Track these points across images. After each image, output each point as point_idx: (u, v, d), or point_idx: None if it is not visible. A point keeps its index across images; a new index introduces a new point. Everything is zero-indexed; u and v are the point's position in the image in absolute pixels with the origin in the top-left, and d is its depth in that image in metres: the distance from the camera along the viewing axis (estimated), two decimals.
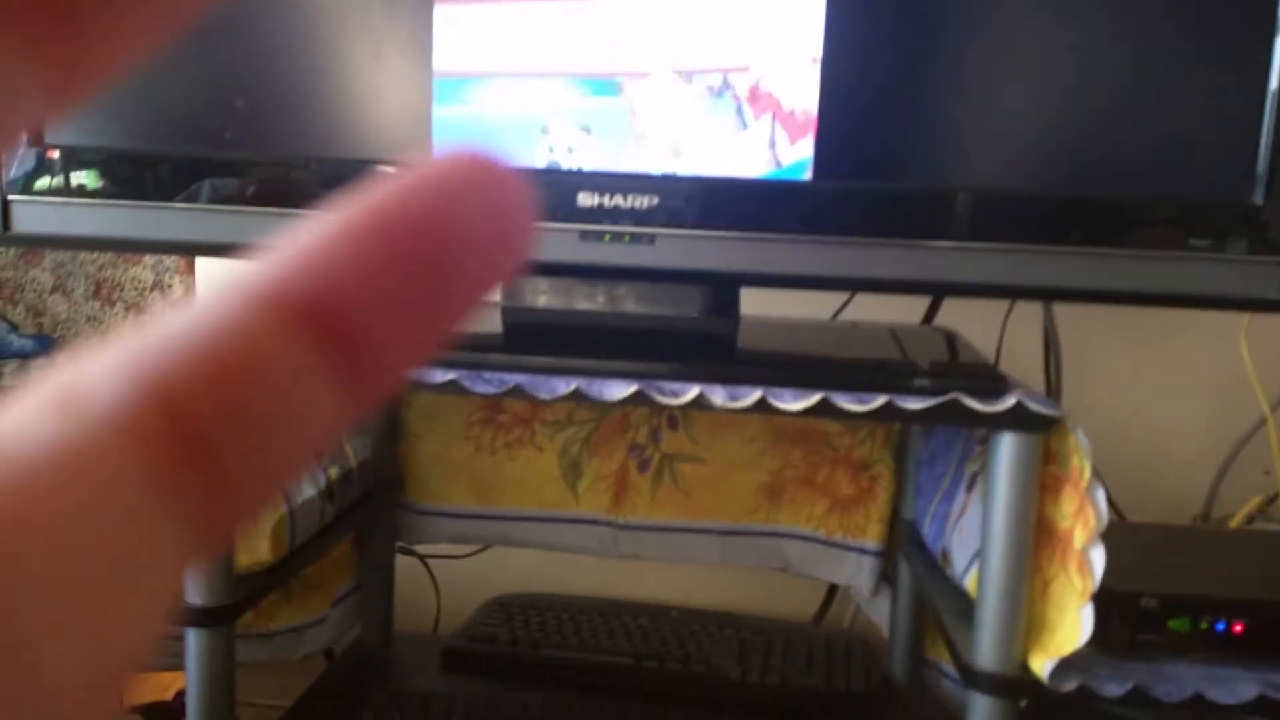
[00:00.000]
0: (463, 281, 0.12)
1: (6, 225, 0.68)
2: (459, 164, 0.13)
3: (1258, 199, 0.64)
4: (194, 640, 0.65)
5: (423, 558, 1.03)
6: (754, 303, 0.77)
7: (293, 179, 0.70)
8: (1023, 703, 0.67)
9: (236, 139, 0.70)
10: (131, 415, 0.11)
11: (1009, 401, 0.61)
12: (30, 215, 0.69)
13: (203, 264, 1.14)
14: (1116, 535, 0.61)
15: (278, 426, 0.11)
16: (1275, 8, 0.63)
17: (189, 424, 0.11)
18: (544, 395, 0.62)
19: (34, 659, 0.10)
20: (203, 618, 0.64)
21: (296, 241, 0.12)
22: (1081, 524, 0.62)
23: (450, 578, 1.04)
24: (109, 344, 0.11)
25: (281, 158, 0.70)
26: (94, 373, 0.11)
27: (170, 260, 1.22)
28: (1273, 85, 0.63)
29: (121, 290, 1.24)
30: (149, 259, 1.23)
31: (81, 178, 0.70)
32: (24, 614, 0.10)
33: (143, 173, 0.70)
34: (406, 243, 0.12)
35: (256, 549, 0.69)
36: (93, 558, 0.10)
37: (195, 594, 0.65)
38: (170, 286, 1.23)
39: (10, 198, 0.68)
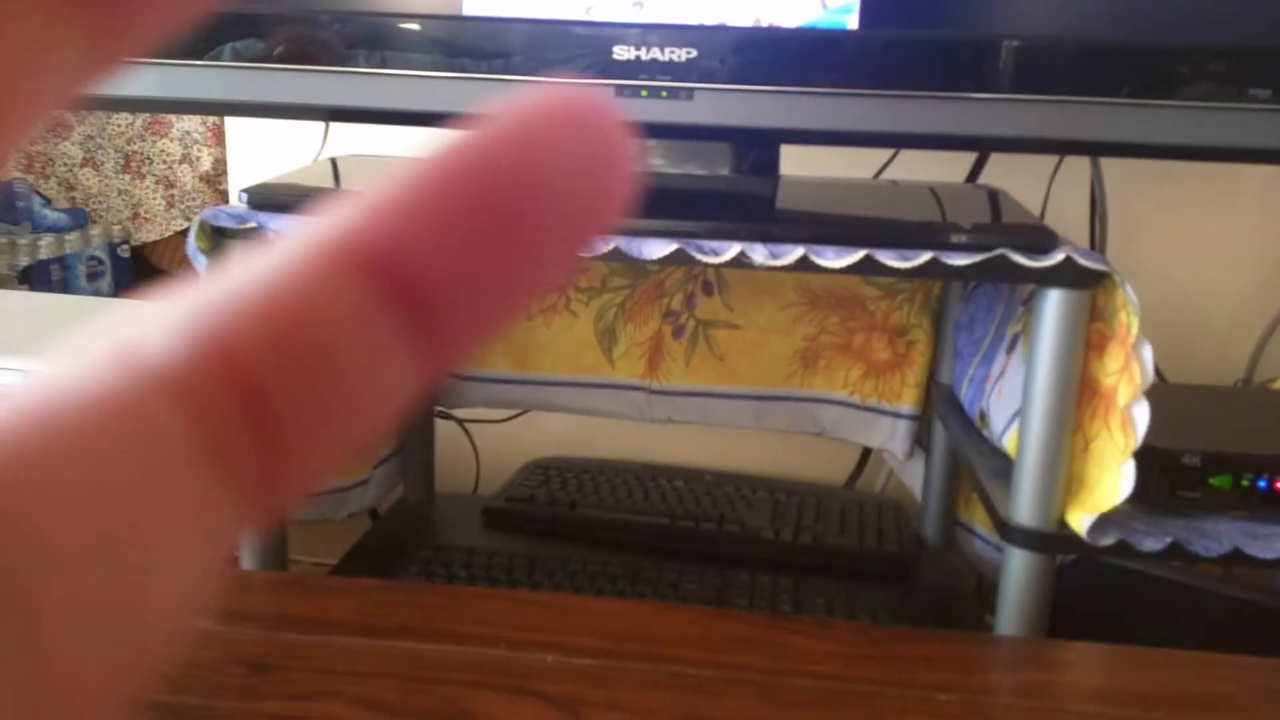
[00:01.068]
0: (548, 240, 0.11)
1: None
2: (551, 111, 0.11)
3: None
4: None
5: (461, 422, 1.05)
6: (794, 162, 0.75)
7: (319, 36, 0.68)
8: (1059, 558, 0.68)
9: None
10: (185, 372, 0.10)
11: (1057, 256, 0.60)
12: None
13: (231, 136, 1.13)
14: (1158, 395, 0.61)
15: (342, 390, 0.11)
16: None
17: (246, 384, 0.10)
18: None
19: (37, 637, 0.09)
20: None
21: (370, 193, 0.11)
22: (1126, 381, 0.61)
23: (489, 442, 1.06)
24: (174, 296, 0.11)
25: (307, 14, 0.68)
26: (151, 325, 0.10)
27: (197, 132, 1.21)
28: None
29: (150, 163, 1.23)
30: (176, 131, 1.21)
31: None
32: (30, 583, 0.09)
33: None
34: (488, 197, 0.11)
35: None
36: (123, 523, 0.09)
37: None
38: (198, 159, 1.22)
39: None
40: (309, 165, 0.78)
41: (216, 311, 0.10)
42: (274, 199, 0.64)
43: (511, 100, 0.11)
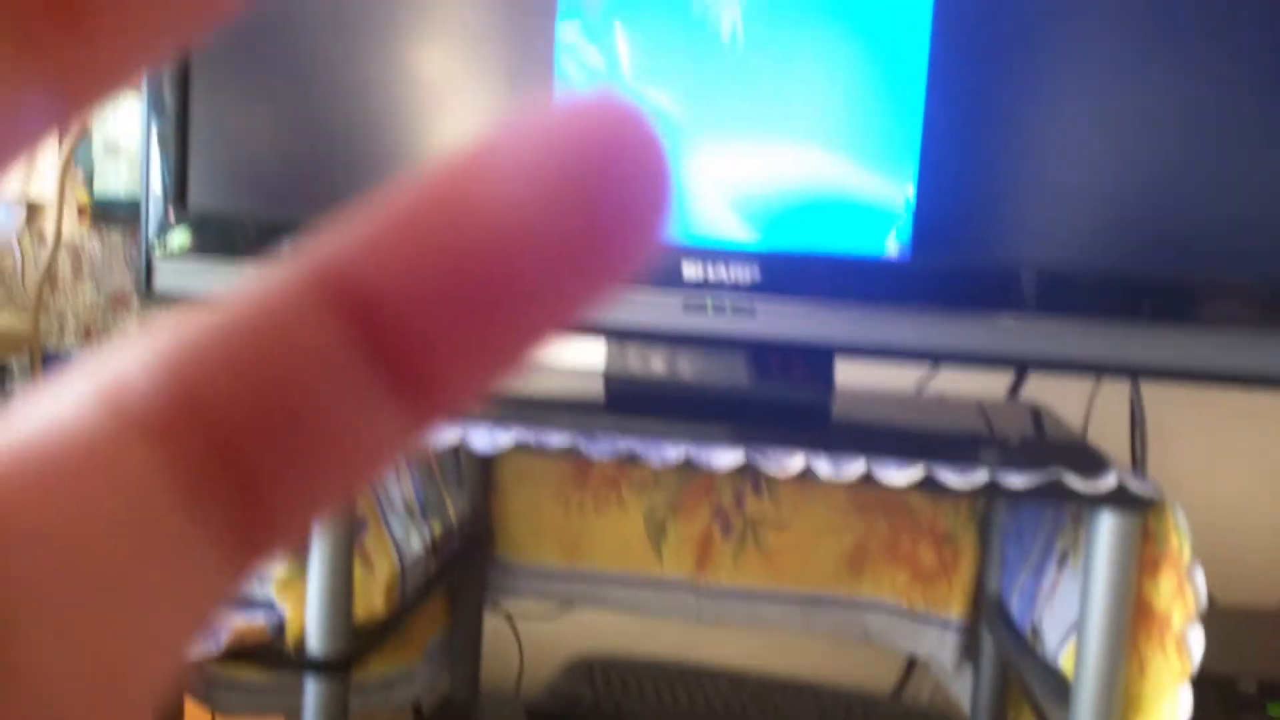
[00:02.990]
0: (558, 279, 0.10)
1: (149, 284, 0.72)
2: (565, 119, 0.10)
3: None
4: (313, 689, 0.67)
5: (508, 615, 1.05)
6: (840, 373, 0.78)
7: None
8: None
9: (327, 201, 0.74)
10: (162, 419, 0.10)
11: (1111, 481, 0.62)
12: (169, 273, 0.73)
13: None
14: (1208, 618, 0.62)
15: (321, 444, 0.10)
16: None
17: (223, 434, 0.10)
18: (655, 460, 0.64)
19: (18, 688, 0.08)
20: (323, 667, 0.66)
21: (356, 222, 0.10)
22: (1180, 604, 0.62)
23: (533, 636, 1.06)
24: (152, 334, 0.10)
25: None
26: (126, 367, 0.10)
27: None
28: None
29: (109, 334, 1.28)
30: (136, 308, 1.27)
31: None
32: (8, 632, 0.08)
33: (234, 232, 0.73)
34: (486, 227, 0.09)
35: (372, 601, 0.71)
36: (104, 570, 0.09)
37: (315, 644, 0.67)
38: None
39: (153, 259, 0.72)
40: None
41: (194, 356, 0.10)
42: None
43: (524, 107, 0.10)
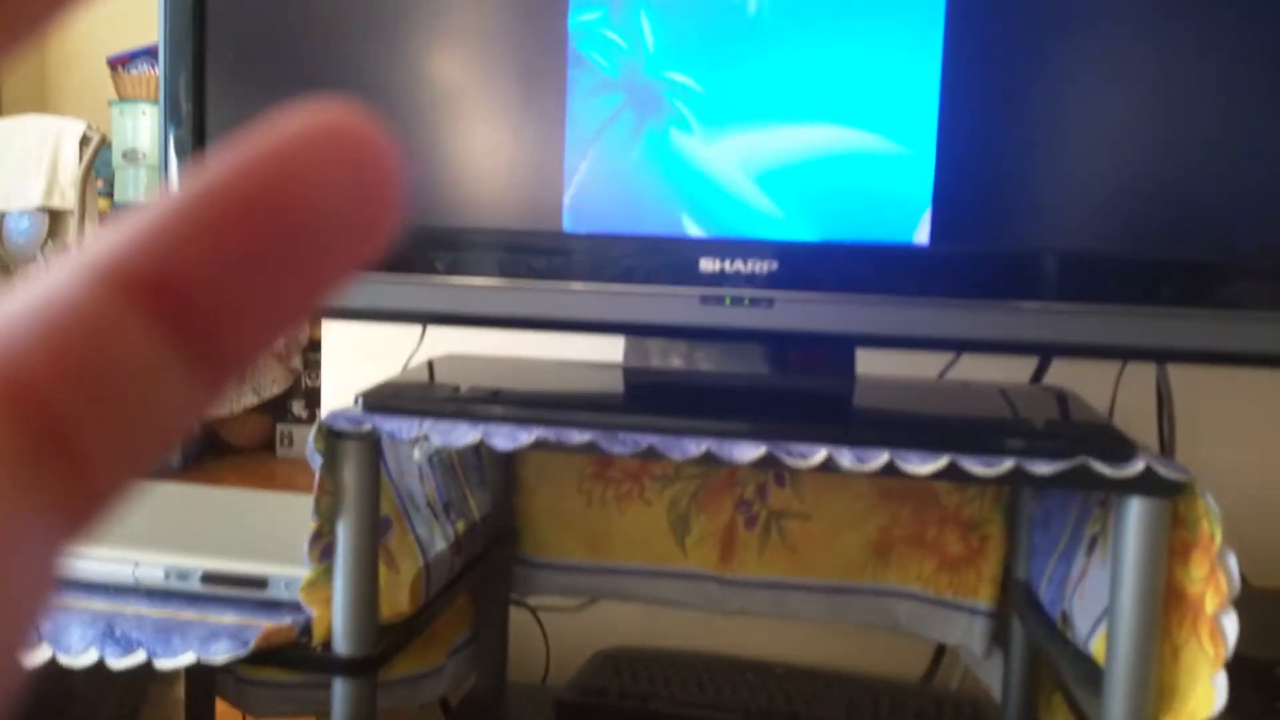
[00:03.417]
0: (318, 259, 0.12)
1: None
2: (317, 130, 0.12)
3: None
4: (340, 690, 0.67)
5: (534, 610, 1.05)
6: (862, 361, 0.78)
7: (419, 246, 0.73)
8: None
9: None
10: None
11: (1139, 466, 0.62)
12: None
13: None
14: (1242, 600, 0.61)
15: (131, 405, 0.11)
16: None
17: (41, 404, 0.10)
18: (675, 456, 0.64)
19: None
20: (350, 667, 0.67)
21: (138, 217, 0.11)
22: (1213, 589, 0.61)
23: (559, 629, 1.06)
24: None
25: (416, 227, 0.74)
26: None
27: None
28: None
29: None
30: None
31: None
32: None
33: None
34: (254, 217, 0.11)
35: (397, 600, 0.72)
36: None
37: (342, 644, 0.67)
38: None
39: None
40: (413, 368, 0.82)
41: (5, 338, 0.11)
42: (388, 402, 0.68)
43: (277, 120, 0.12)
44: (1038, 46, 0.68)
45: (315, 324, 1.17)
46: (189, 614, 0.71)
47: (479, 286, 0.71)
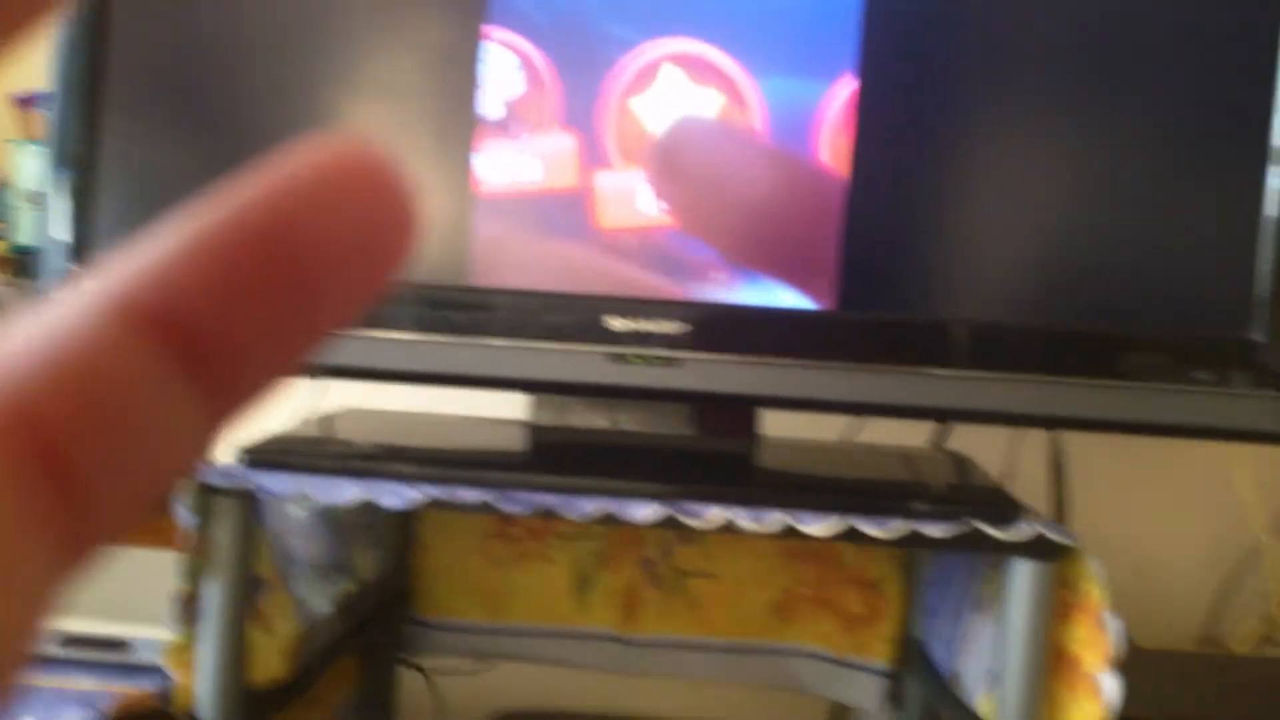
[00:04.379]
0: (328, 293, 0.12)
1: None
2: (329, 163, 0.12)
3: (1257, 334, 0.67)
4: None
5: (425, 672, 1.03)
6: (768, 421, 0.79)
7: None
8: None
9: None
10: None
11: (1025, 530, 0.63)
12: None
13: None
14: (1133, 662, 0.62)
15: (135, 439, 0.11)
16: (1265, 142, 0.67)
17: (43, 436, 0.10)
18: (572, 516, 0.63)
19: None
20: None
21: (145, 247, 0.11)
22: (1094, 650, 0.63)
23: (453, 692, 1.03)
24: None
25: None
26: None
27: None
28: (1268, 214, 0.66)
29: None
30: None
31: None
32: None
33: None
34: (263, 250, 0.11)
35: (271, 664, 0.69)
36: None
37: (207, 708, 0.64)
38: None
39: None
40: (303, 421, 0.80)
41: (4, 367, 0.10)
42: (270, 457, 0.66)
43: (291, 154, 0.12)
44: (948, 120, 0.70)
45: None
46: (43, 680, 0.67)
47: (374, 339, 0.69)
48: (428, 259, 0.72)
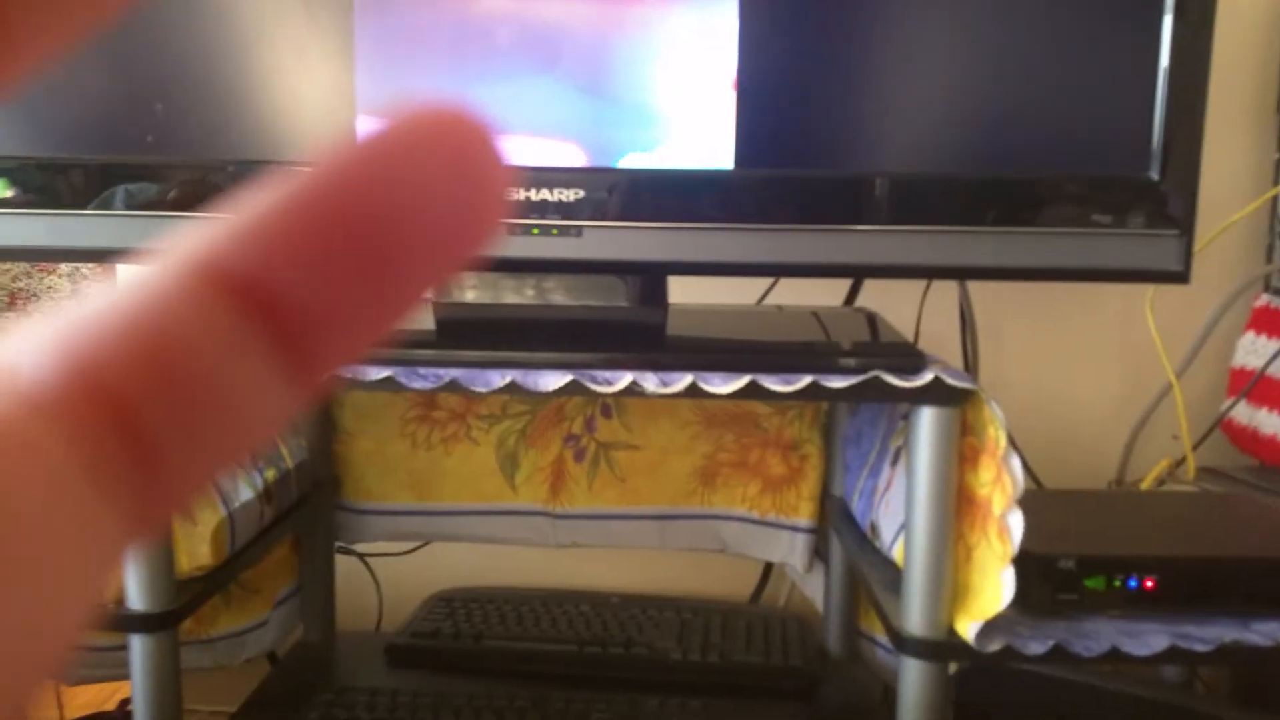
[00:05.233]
0: (417, 262, 0.11)
1: None
2: (420, 127, 0.11)
3: (1154, 174, 0.67)
4: (138, 647, 0.65)
5: (362, 556, 1.04)
6: (682, 290, 0.78)
7: (211, 182, 0.70)
8: (952, 666, 0.70)
9: (157, 143, 0.70)
10: (60, 396, 0.10)
11: (926, 377, 0.64)
12: None
13: (123, 273, 1.12)
14: (1034, 501, 0.64)
15: (214, 410, 0.11)
16: None
17: (121, 406, 0.10)
18: (480, 388, 0.63)
19: None
20: (146, 623, 0.64)
21: (235, 216, 0.11)
22: (1000, 491, 0.65)
23: (391, 575, 1.05)
24: (40, 319, 0.11)
25: (199, 161, 0.70)
26: (22, 349, 0.10)
27: (86, 268, 1.20)
28: (1163, 64, 0.67)
29: (38, 300, 1.21)
30: (65, 267, 1.20)
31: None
32: None
33: (58, 179, 0.69)
34: (352, 219, 0.11)
35: (197, 553, 0.69)
36: (15, 542, 0.10)
37: (137, 600, 0.64)
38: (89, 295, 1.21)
39: None
40: None
41: (87, 335, 0.10)
42: None
43: (380, 119, 0.11)
44: None
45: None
46: None
47: None
48: (314, 142, 0.69)
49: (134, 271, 0.11)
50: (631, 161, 0.69)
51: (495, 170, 0.12)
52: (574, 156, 0.69)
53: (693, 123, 0.69)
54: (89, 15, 0.11)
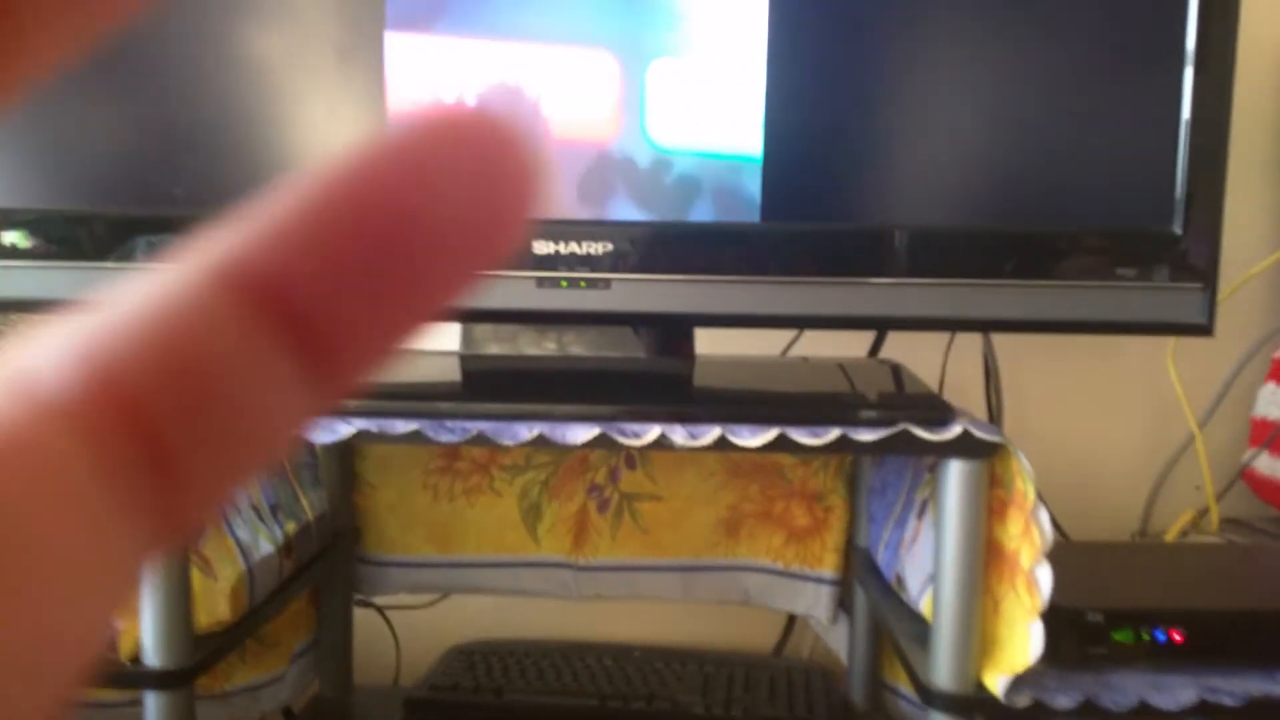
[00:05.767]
0: (441, 267, 0.11)
1: None
2: (445, 128, 0.11)
3: (1177, 228, 0.68)
4: (153, 704, 0.64)
5: (381, 609, 1.03)
6: (707, 341, 0.79)
7: None
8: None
9: (186, 197, 0.71)
10: (79, 403, 0.10)
11: (955, 430, 0.64)
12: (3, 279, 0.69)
13: None
14: (1060, 554, 0.64)
15: (234, 419, 0.11)
16: (1183, 44, 0.67)
17: (140, 414, 0.10)
18: (507, 441, 0.63)
19: None
20: (162, 680, 0.64)
21: (254, 218, 0.11)
22: (1028, 544, 0.64)
23: (410, 628, 1.04)
24: (59, 324, 0.10)
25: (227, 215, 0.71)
26: (41, 355, 0.10)
27: None
28: (1184, 116, 0.67)
29: None
30: None
31: (14, 238, 0.70)
32: None
33: (79, 232, 0.70)
34: (373, 222, 0.11)
35: (216, 609, 0.69)
36: (34, 555, 0.09)
37: (153, 656, 0.64)
38: None
39: None
40: None
41: (106, 341, 0.10)
42: None
43: (403, 117, 0.11)
44: (869, 24, 0.69)
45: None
46: None
47: None
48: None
49: (153, 277, 0.11)
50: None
51: (521, 174, 0.11)
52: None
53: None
54: (100, 13, 0.11)
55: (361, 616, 1.00)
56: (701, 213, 0.70)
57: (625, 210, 0.70)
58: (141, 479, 0.10)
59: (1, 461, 0.09)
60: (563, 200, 0.70)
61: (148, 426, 0.10)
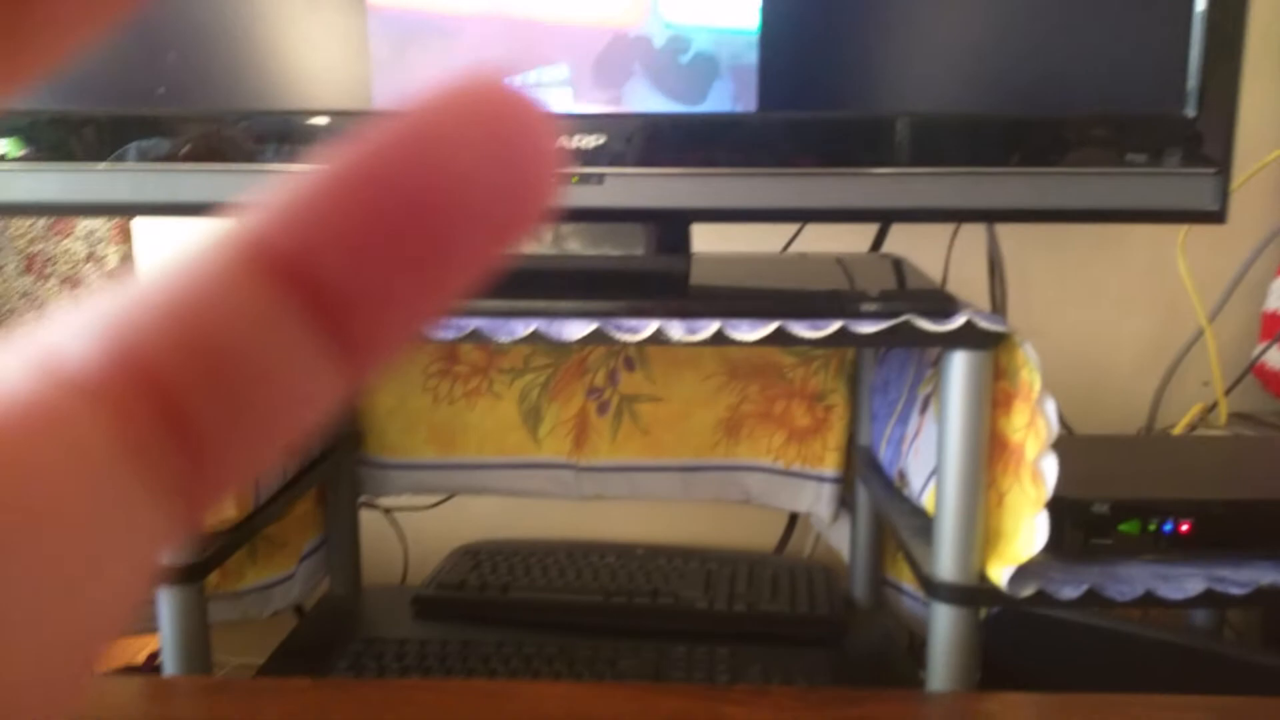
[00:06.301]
0: (465, 243, 0.11)
1: None
2: (466, 103, 0.11)
3: (1189, 112, 0.65)
4: (166, 599, 0.65)
5: (386, 510, 1.04)
6: (707, 237, 0.77)
7: (226, 134, 0.69)
8: (983, 611, 0.69)
9: (169, 95, 0.68)
10: (105, 379, 0.10)
11: (959, 320, 0.63)
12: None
13: (138, 232, 1.12)
14: (1066, 447, 0.63)
15: (260, 396, 0.11)
16: None
17: (165, 392, 0.10)
18: (503, 338, 0.62)
19: None
20: (173, 576, 0.65)
21: (279, 195, 0.11)
22: (1033, 436, 0.64)
23: (415, 529, 1.05)
24: (86, 302, 0.10)
25: (214, 112, 0.68)
26: (65, 332, 0.10)
27: (103, 230, 1.19)
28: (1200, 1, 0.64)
29: (54, 264, 1.21)
30: (80, 230, 1.20)
31: (4, 144, 0.68)
32: None
33: (70, 135, 0.68)
34: (399, 197, 0.11)
35: (221, 507, 0.69)
36: (58, 529, 0.09)
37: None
38: (104, 257, 1.20)
39: None
40: None
41: (131, 319, 0.10)
42: None
43: (423, 92, 0.11)
44: None
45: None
46: None
47: (275, 170, 0.66)
48: (327, 85, 0.68)
49: (177, 252, 0.11)
50: (653, 106, 0.67)
51: (542, 146, 0.11)
52: (594, 102, 0.67)
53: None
54: (106, 7, 0.11)
55: (369, 519, 1.01)
56: (720, 94, 0.67)
57: (643, 95, 0.67)
58: (167, 456, 0.10)
59: (27, 439, 0.09)
60: (579, 86, 0.67)
61: (173, 403, 0.10)
